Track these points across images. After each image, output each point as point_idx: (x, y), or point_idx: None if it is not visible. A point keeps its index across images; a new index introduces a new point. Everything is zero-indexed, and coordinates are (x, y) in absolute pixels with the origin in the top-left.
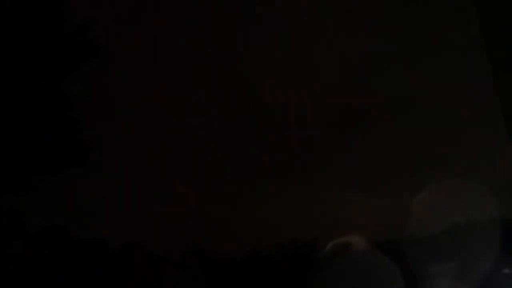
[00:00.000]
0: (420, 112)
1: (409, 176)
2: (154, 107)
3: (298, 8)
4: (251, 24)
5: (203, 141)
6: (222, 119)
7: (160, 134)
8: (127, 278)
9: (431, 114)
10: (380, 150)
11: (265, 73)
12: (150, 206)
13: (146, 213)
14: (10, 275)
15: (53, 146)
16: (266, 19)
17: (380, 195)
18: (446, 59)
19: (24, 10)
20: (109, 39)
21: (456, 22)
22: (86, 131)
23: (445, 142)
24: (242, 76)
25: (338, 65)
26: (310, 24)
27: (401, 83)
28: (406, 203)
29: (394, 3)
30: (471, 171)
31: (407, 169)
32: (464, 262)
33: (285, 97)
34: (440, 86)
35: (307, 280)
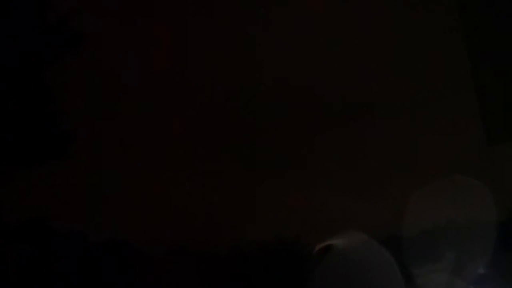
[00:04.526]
0: (408, 114)
1: (398, 177)
2: (139, 100)
3: (304, 8)
4: (253, 23)
5: (188, 136)
6: (209, 114)
7: (144, 127)
8: (110, 274)
9: (419, 116)
10: (369, 150)
11: (261, 72)
12: (133, 202)
13: (130, 209)
14: None
15: (34, 138)
16: (268, 17)
17: (369, 195)
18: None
19: None
20: (93, 29)
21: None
22: (68, 123)
23: (432, 143)
24: (237, 72)
25: (335, 65)
26: (313, 23)
27: (390, 85)
28: (396, 202)
29: (396, 5)
30: (456, 171)
31: (397, 170)
32: (457, 260)
33: (280, 95)
34: (427, 90)
35: (290, 277)
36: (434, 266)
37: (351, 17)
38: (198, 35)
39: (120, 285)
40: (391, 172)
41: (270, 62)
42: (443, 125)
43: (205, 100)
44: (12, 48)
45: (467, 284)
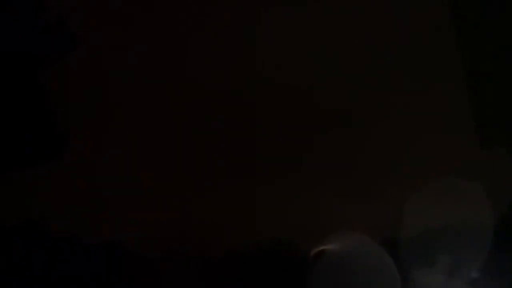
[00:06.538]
0: (406, 116)
1: (395, 179)
2: (139, 100)
3: (304, 8)
4: (252, 23)
5: (184, 137)
6: (209, 115)
7: (143, 128)
8: (108, 275)
9: (410, 118)
10: (367, 153)
11: (261, 72)
12: (132, 202)
13: (128, 209)
14: None
15: (32, 139)
16: (260, 19)
17: (366, 198)
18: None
19: None
20: (93, 29)
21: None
22: (67, 124)
23: (422, 147)
24: (237, 73)
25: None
26: (312, 23)
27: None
28: (393, 205)
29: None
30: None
31: (394, 172)
32: (453, 262)
33: (278, 96)
34: (419, 92)
35: (288, 279)
36: (431, 268)
37: (350, 17)
38: (199, 35)
39: (119, 285)
40: (388, 174)
41: (271, 62)
42: (438, 127)
43: (205, 100)
44: (10, 48)
45: (463, 286)
